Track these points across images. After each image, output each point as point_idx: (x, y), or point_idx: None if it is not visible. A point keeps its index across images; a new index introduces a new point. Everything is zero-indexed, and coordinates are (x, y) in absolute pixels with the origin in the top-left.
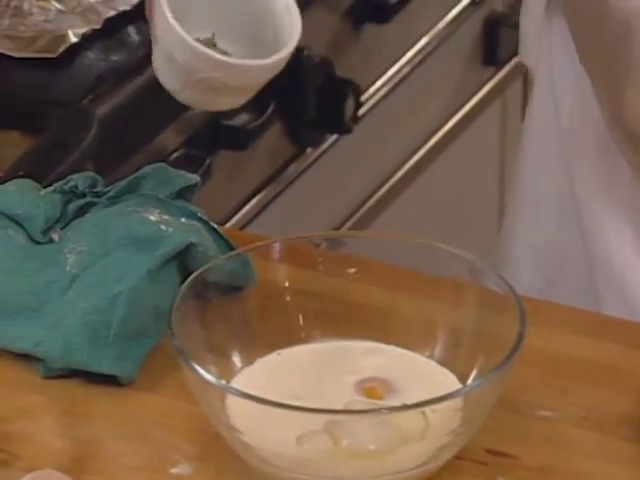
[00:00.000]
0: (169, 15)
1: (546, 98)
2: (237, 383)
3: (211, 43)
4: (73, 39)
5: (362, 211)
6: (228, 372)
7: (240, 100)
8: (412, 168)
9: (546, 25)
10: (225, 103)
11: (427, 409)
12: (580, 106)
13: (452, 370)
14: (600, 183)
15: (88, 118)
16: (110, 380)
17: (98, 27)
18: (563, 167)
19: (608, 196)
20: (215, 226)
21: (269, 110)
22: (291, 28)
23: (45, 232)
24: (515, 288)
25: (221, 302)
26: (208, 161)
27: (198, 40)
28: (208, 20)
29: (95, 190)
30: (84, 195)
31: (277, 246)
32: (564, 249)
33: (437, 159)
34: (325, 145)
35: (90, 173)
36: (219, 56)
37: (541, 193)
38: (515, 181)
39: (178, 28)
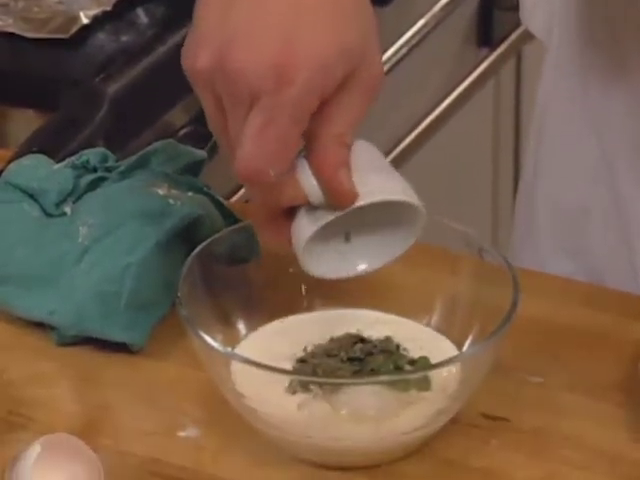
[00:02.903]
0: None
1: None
2: (241, 349)
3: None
4: (84, 20)
5: None
6: (233, 339)
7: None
8: (410, 144)
9: None
10: None
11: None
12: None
13: (448, 337)
14: (634, 149)
15: (99, 96)
16: (121, 348)
17: (108, 9)
18: (594, 131)
19: None
20: (221, 199)
21: None
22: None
23: (58, 205)
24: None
25: (226, 273)
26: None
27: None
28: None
29: (106, 165)
30: (95, 170)
31: None
32: (595, 213)
33: (434, 135)
34: None
35: (101, 149)
36: None
37: (569, 155)
38: (536, 142)
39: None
